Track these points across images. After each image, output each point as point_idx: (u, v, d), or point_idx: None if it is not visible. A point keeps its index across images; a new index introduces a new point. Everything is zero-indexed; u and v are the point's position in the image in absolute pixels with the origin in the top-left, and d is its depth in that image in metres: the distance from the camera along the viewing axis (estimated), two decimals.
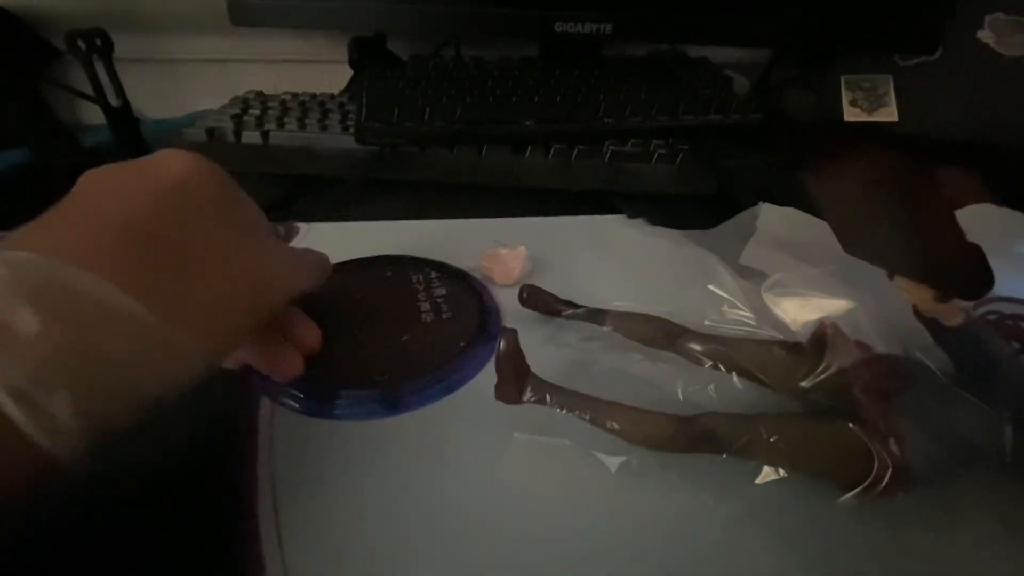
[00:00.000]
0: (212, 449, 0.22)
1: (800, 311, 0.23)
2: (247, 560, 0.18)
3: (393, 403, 0.24)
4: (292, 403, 0.24)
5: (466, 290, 0.31)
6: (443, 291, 0.30)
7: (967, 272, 0.18)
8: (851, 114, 0.51)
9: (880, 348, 0.21)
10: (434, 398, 0.25)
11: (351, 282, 0.31)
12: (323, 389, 0.25)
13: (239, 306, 0.19)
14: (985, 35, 0.51)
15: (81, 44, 0.40)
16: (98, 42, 0.39)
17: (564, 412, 0.22)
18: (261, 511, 0.20)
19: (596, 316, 0.28)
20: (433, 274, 0.32)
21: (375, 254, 0.34)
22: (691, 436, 0.21)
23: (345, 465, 0.22)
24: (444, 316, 0.29)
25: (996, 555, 0.19)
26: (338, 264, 0.33)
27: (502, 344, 0.22)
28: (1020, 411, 0.19)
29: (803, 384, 0.22)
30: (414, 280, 0.31)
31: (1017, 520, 0.20)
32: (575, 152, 0.45)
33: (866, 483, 0.19)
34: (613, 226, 0.36)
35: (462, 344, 0.27)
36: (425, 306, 0.29)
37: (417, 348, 0.27)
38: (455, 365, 0.26)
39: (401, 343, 0.27)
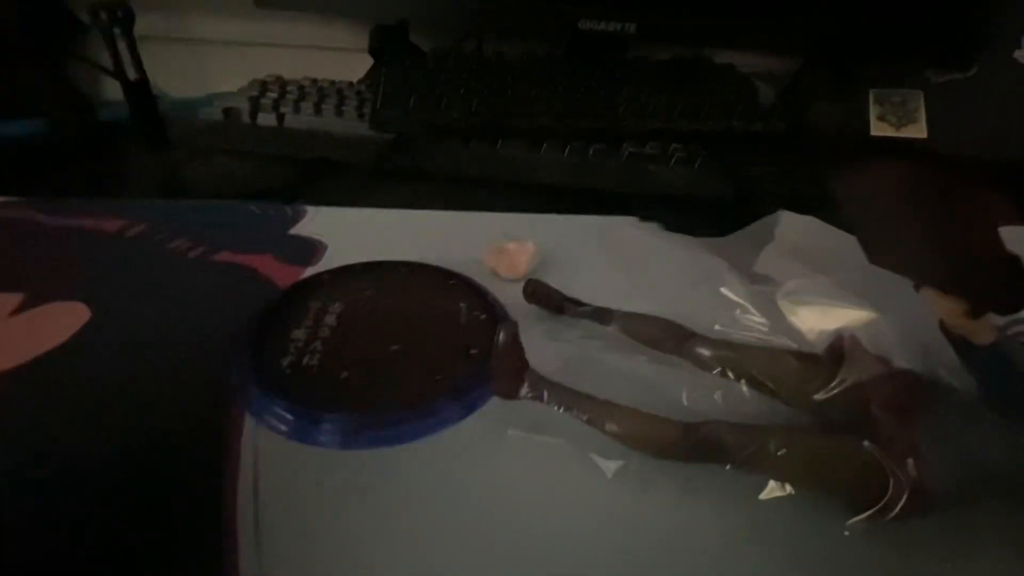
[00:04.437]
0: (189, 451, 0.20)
1: (817, 320, 0.22)
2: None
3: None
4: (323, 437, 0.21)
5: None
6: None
7: (1004, 284, 0.16)
8: (878, 128, 0.50)
9: (901, 363, 0.20)
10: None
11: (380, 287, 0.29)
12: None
13: None
14: (1023, 55, 0.49)
15: (103, 15, 0.40)
16: (119, 14, 0.39)
17: (562, 410, 0.21)
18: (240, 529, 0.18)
19: (602, 315, 0.27)
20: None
21: (379, 241, 0.33)
22: (694, 443, 0.20)
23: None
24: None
25: None
26: (363, 264, 0.31)
27: (501, 337, 0.21)
28: None
29: (816, 397, 0.20)
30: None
31: None
32: (591, 150, 0.44)
33: (879, 504, 0.18)
34: (624, 227, 0.35)
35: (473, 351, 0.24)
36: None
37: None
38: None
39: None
